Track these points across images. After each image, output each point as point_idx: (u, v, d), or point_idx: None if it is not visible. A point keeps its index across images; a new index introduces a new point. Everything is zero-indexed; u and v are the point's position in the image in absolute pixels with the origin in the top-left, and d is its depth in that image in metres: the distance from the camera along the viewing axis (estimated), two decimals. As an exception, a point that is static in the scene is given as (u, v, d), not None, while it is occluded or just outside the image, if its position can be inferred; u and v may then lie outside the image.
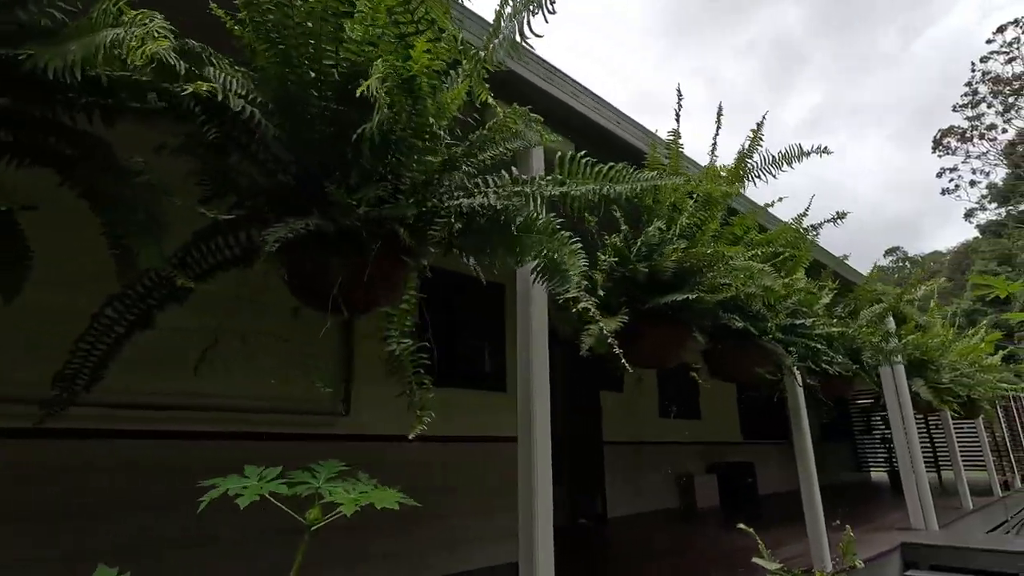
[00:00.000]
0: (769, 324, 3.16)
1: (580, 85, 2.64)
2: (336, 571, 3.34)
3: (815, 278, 4.46)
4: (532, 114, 1.78)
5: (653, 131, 3.03)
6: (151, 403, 2.61)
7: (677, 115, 2.77)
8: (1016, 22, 27.79)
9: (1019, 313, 5.15)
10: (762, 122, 2.41)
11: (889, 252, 59.64)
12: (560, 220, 1.53)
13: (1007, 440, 11.33)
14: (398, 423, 4.01)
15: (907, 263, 58.31)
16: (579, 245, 1.50)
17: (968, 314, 35.65)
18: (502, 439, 4.71)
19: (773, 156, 2.38)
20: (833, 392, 4.60)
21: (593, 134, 2.66)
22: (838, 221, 3.08)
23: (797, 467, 4.12)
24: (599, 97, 2.78)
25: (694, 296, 2.37)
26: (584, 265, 1.44)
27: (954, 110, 31.06)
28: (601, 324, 2.47)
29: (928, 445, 12.57)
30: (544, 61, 2.56)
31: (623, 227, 2.65)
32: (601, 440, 7.14)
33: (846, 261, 5.09)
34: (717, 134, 2.84)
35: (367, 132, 1.28)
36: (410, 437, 1.41)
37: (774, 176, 2.43)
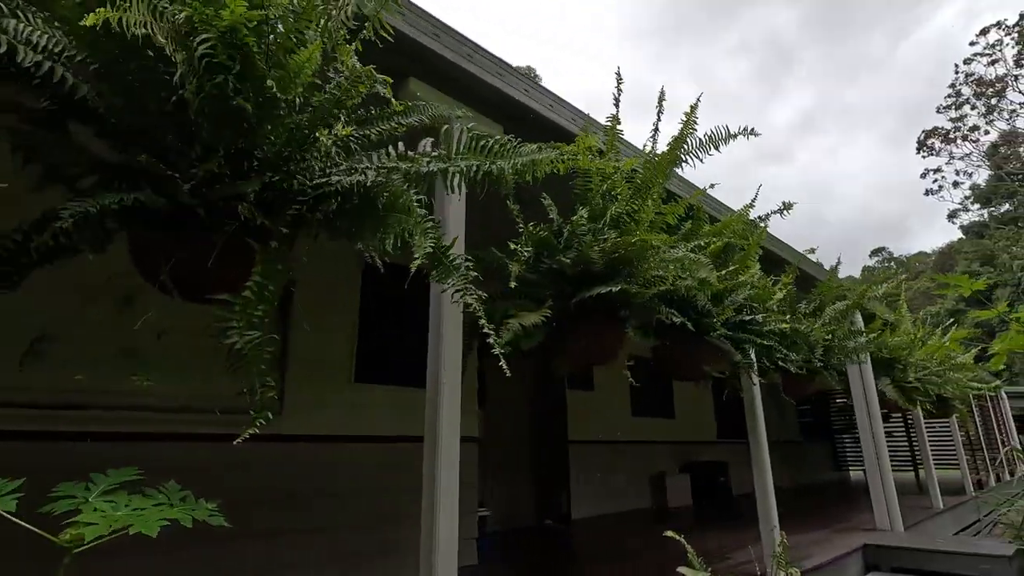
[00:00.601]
0: (715, 320, 3.03)
1: (507, 65, 2.49)
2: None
3: (777, 273, 4.35)
4: (422, 84, 1.62)
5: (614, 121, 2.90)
6: (28, 401, 2.40)
7: (616, 100, 2.63)
8: (999, 24, 28.01)
9: (986, 311, 5.05)
10: (696, 105, 2.27)
11: (875, 252, 60.19)
12: (422, 201, 1.38)
13: (982, 439, 11.35)
14: (331, 423, 3.86)
15: (893, 263, 58.93)
16: (431, 224, 1.34)
17: (952, 313, 36.03)
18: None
19: (701, 139, 2.25)
20: (797, 391, 4.49)
21: (520, 115, 2.51)
22: (785, 212, 2.95)
23: (753, 469, 4.00)
24: (531, 80, 2.63)
25: (618, 288, 2.22)
26: (430, 247, 1.29)
27: (938, 111, 31.30)
28: (518, 320, 2.32)
29: (906, 444, 12.58)
30: (468, 39, 2.40)
31: (552, 216, 2.50)
32: (566, 440, 7.01)
33: (809, 256, 5.02)
34: (659, 120, 2.70)
35: (186, 97, 1.12)
36: (236, 442, 1.25)
37: (701, 160, 2.29)
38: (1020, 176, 31.87)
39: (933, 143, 31.59)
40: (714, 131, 2.22)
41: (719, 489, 8.84)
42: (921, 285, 41.78)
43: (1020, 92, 28.92)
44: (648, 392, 8.78)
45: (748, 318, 3.19)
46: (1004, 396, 15.46)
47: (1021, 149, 32.24)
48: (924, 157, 32.43)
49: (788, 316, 3.43)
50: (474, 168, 1.42)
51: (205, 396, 2.82)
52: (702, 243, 2.92)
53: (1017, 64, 28.40)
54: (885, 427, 13.10)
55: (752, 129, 2.17)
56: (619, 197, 2.49)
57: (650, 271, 2.46)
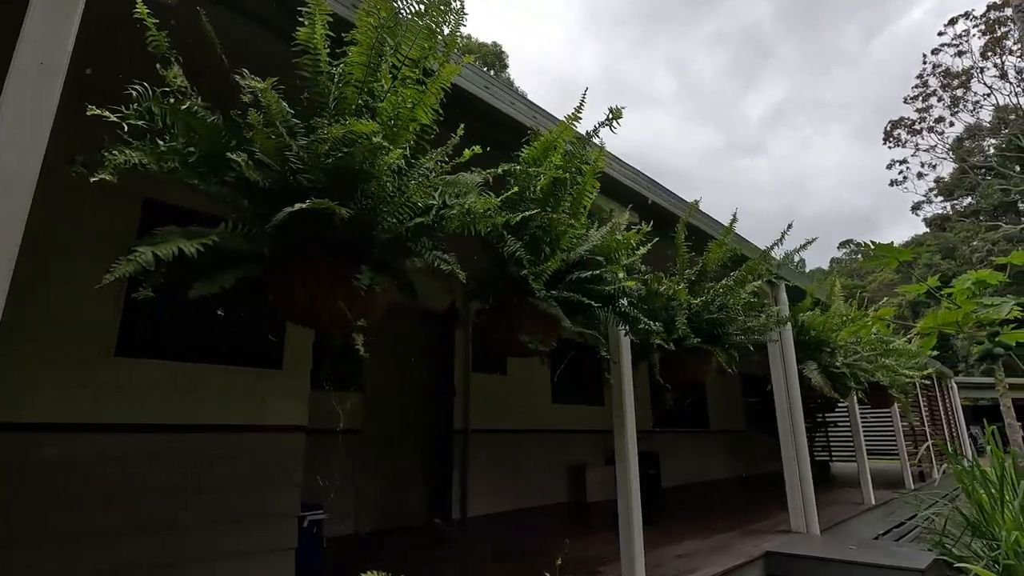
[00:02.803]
0: (536, 272, 2.28)
1: None
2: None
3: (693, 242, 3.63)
4: None
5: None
6: None
7: None
8: (967, 15, 27.84)
9: (914, 286, 4.37)
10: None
11: (843, 244, 60.91)
12: None
13: (927, 430, 10.98)
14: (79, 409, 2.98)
15: (860, 255, 59.69)
16: None
17: (912, 306, 36.40)
18: (270, 428, 3.79)
19: None
20: (679, 375, 3.80)
21: None
22: (614, 123, 2.20)
23: (616, 471, 3.30)
24: None
25: (326, 207, 1.45)
26: None
27: (905, 102, 31.16)
28: (151, 247, 1.55)
29: (850, 434, 12.19)
30: None
31: (248, 98, 1.70)
32: (467, 428, 6.28)
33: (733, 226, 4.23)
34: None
35: None
36: None
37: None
38: (983, 170, 32.07)
39: (899, 134, 31.52)
40: None
41: (647, 482, 8.20)
42: (885, 277, 42.22)
43: (985, 84, 28.93)
44: (573, 377, 8.11)
45: (585, 275, 2.44)
46: (954, 386, 15.26)
47: (985, 143, 32.43)
48: (890, 148, 32.39)
49: (648, 276, 2.69)
50: None
51: None
52: (509, 170, 2.16)
53: (983, 56, 28.33)
54: (831, 417, 12.72)
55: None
56: (350, 78, 1.70)
57: (387, 188, 1.69)
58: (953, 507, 4.08)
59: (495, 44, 30.09)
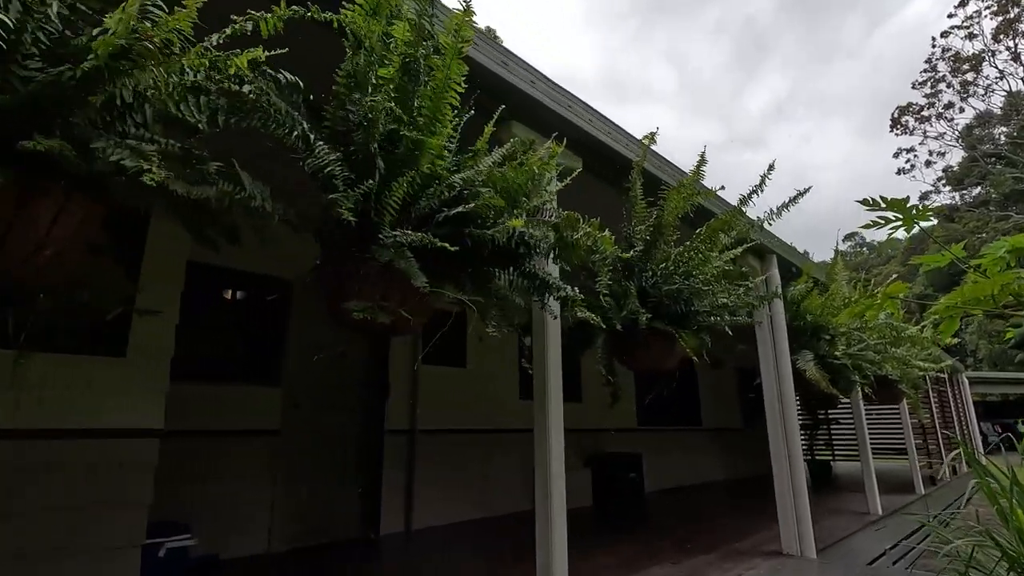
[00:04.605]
0: (340, 197, 1.48)
1: None
2: None
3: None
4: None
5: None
6: None
7: None
8: (978, -6, 26.74)
9: (933, 256, 3.42)
10: None
11: (848, 237, 59.88)
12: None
13: (938, 429, 10.14)
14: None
15: (865, 248, 58.56)
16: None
17: (920, 298, 35.38)
18: (105, 433, 3.00)
19: None
20: (646, 363, 3.00)
21: None
22: None
23: (535, 484, 2.52)
24: None
25: None
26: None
27: (913, 87, 30.06)
28: None
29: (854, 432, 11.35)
30: None
31: None
32: (415, 430, 5.50)
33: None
34: None
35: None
36: None
37: None
38: (993, 158, 31.00)
39: (907, 120, 30.45)
40: None
41: (628, 486, 7.43)
42: (891, 269, 41.16)
43: (996, 68, 27.85)
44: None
45: (459, 209, 1.64)
46: (965, 381, 14.39)
47: (996, 130, 31.35)
48: (897, 135, 31.33)
49: (557, 219, 1.88)
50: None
51: None
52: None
53: (995, 39, 27.24)
54: (835, 413, 11.86)
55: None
56: None
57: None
58: (984, 530, 3.19)
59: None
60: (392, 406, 5.37)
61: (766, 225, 3.11)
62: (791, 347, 4.53)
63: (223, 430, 4.20)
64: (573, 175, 2.09)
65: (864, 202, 2.47)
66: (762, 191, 2.80)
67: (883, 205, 2.88)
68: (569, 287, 1.94)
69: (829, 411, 11.57)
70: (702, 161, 2.68)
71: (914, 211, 2.84)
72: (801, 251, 5.65)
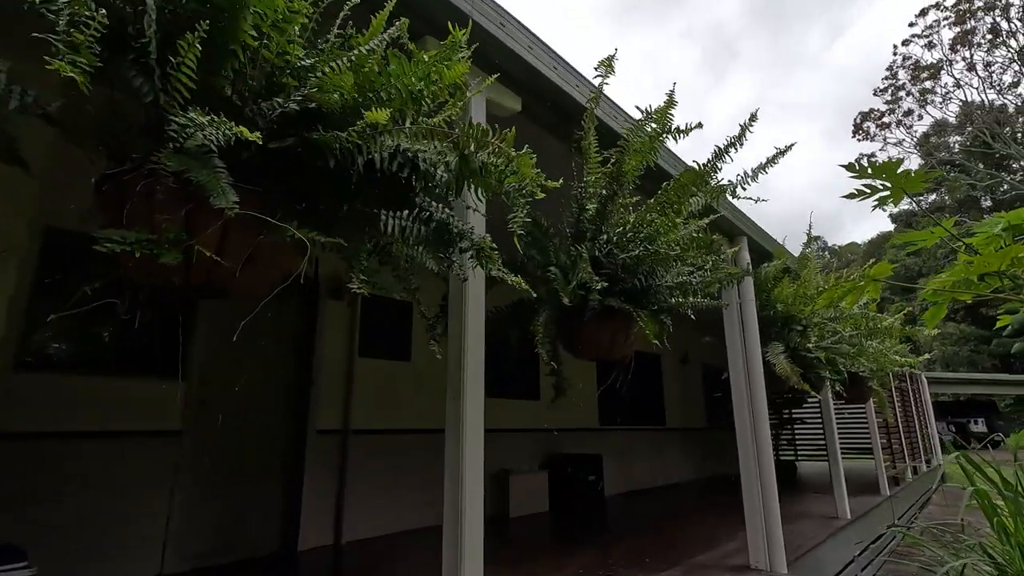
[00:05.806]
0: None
1: None
2: None
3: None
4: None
5: None
6: None
7: None
8: (937, 5, 27.42)
9: (916, 232, 2.94)
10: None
11: (809, 243, 61.15)
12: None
13: (900, 428, 10.03)
14: None
15: (826, 252, 59.99)
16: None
17: (877, 303, 36.29)
18: None
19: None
20: (596, 348, 2.50)
21: None
22: None
23: (444, 495, 1.99)
24: None
25: None
26: None
27: (875, 94, 30.72)
28: None
29: (820, 432, 11.19)
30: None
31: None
32: (347, 430, 4.90)
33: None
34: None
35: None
36: None
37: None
38: (947, 166, 31.92)
39: (869, 126, 31.09)
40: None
41: (587, 490, 6.97)
42: (853, 274, 42.13)
43: (953, 77, 28.64)
44: (498, 365, 6.79)
45: (306, 93, 1.09)
46: (924, 380, 14.49)
47: (950, 139, 32.29)
48: (859, 141, 31.94)
49: (455, 133, 1.35)
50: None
51: None
52: None
53: (952, 49, 27.99)
54: (799, 412, 11.69)
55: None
56: None
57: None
58: (978, 541, 2.77)
59: None
60: (322, 404, 4.77)
61: (739, 191, 2.64)
62: (760, 339, 4.12)
63: (92, 431, 3.52)
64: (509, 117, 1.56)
65: (849, 167, 2.00)
66: (741, 144, 2.33)
67: (870, 172, 2.37)
68: (484, 236, 1.42)
69: (794, 411, 11.39)
70: (670, 102, 2.19)
71: (904, 179, 2.32)
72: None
